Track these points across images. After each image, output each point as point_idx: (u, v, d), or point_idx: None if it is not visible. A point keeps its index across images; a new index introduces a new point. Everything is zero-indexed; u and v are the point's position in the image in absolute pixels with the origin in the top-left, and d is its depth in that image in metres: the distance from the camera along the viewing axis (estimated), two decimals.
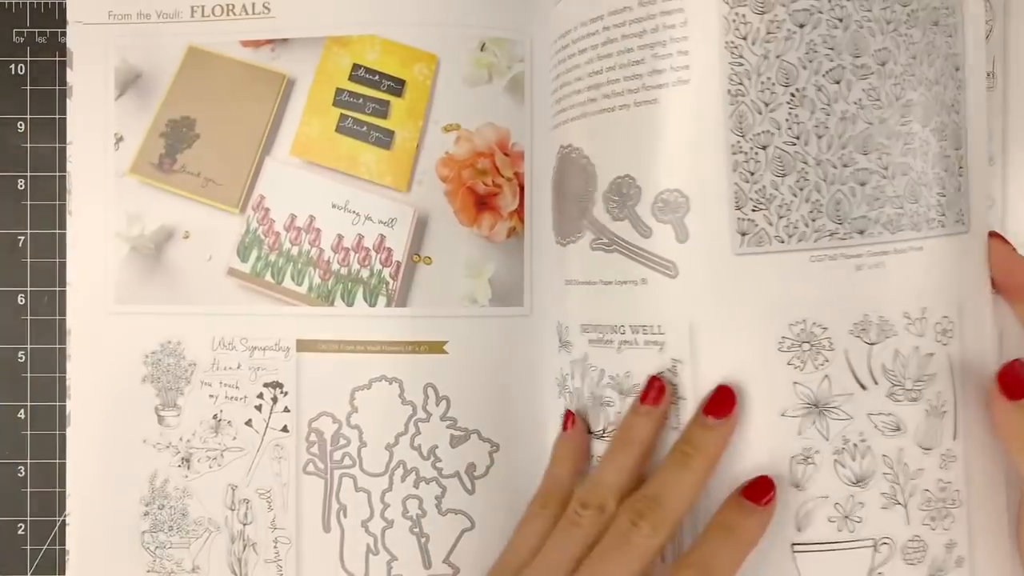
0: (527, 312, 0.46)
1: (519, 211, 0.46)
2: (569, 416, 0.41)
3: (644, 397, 0.38)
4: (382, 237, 0.46)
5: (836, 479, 0.36)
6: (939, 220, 0.36)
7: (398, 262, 0.46)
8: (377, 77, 0.46)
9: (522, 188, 0.46)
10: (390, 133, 0.46)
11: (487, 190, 0.46)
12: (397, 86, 0.46)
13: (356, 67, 0.47)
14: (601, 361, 0.40)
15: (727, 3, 0.37)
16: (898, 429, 0.37)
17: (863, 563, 0.37)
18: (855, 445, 0.36)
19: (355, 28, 0.46)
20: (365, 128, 0.46)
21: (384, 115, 0.46)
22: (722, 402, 0.36)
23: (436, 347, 0.45)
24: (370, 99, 0.47)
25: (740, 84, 0.37)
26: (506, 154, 0.46)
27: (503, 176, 0.46)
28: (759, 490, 0.36)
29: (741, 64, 0.37)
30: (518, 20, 0.46)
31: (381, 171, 0.46)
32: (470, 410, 0.46)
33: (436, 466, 0.45)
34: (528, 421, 0.46)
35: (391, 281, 0.46)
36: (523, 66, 0.46)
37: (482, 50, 0.46)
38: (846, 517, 0.37)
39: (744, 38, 0.37)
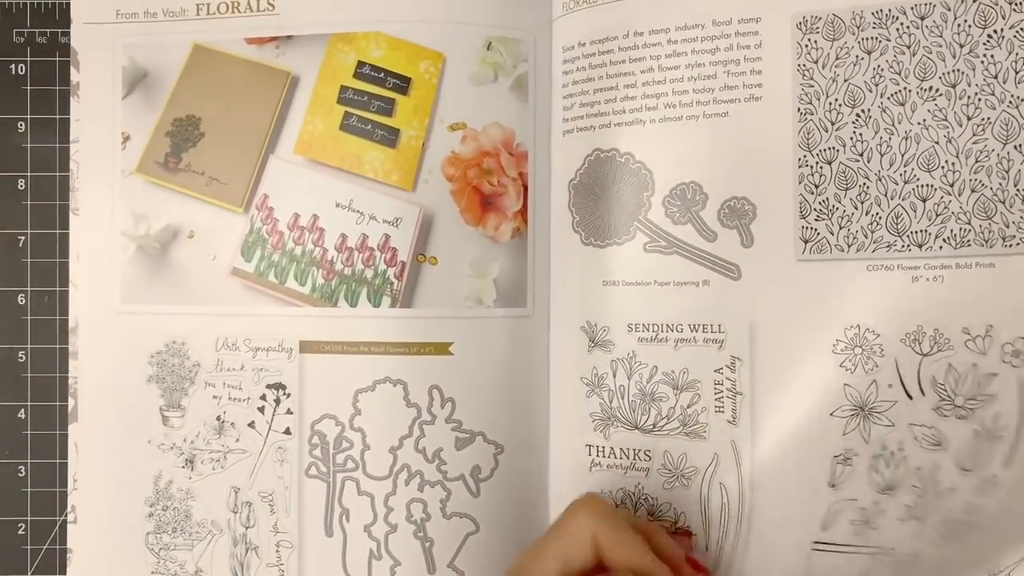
0: (529, 313, 0.45)
1: (523, 211, 0.45)
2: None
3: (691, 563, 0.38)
4: (387, 237, 0.45)
5: (867, 484, 0.38)
6: (1019, 238, 0.37)
7: (403, 262, 0.45)
8: (383, 75, 0.46)
9: (525, 188, 0.46)
10: (395, 131, 0.46)
11: (492, 190, 0.45)
12: (403, 84, 0.46)
13: (361, 64, 0.46)
14: (653, 358, 0.42)
15: (800, 30, 0.40)
16: (938, 444, 0.37)
17: (858, 568, 0.38)
18: (892, 453, 0.38)
19: (360, 25, 0.46)
20: (370, 126, 0.46)
21: (389, 113, 0.46)
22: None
23: (442, 348, 0.45)
24: (375, 97, 0.46)
25: (809, 103, 0.40)
26: (511, 154, 0.45)
27: (508, 176, 0.45)
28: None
29: (812, 86, 0.40)
30: (524, 20, 0.46)
31: (386, 170, 0.46)
32: (475, 412, 0.45)
33: (441, 469, 0.45)
34: (533, 423, 0.45)
35: (396, 281, 0.45)
36: (527, 66, 0.46)
37: (488, 49, 0.45)
38: (865, 522, 0.37)
39: (815, 62, 0.40)
